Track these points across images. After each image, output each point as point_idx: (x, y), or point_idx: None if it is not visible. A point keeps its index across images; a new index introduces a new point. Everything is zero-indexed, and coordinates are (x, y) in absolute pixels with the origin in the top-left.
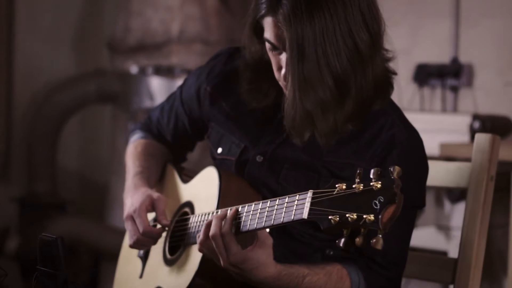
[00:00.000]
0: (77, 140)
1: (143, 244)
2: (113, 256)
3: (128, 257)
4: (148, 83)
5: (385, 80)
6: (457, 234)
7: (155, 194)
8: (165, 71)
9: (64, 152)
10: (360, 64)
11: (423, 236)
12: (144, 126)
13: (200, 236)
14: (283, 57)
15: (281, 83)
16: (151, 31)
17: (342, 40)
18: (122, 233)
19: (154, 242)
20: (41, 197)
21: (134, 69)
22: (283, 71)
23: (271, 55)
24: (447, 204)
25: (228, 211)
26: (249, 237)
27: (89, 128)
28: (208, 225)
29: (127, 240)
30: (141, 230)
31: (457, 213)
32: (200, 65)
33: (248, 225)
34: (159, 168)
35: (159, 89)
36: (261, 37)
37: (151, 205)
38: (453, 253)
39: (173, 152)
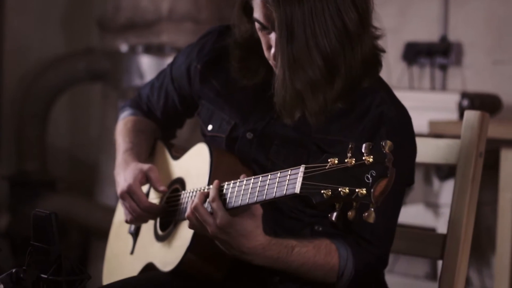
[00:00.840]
0: (67, 118)
1: (143, 220)
2: (103, 234)
3: (119, 233)
4: (138, 62)
5: (374, 58)
6: (445, 211)
7: (145, 166)
8: (155, 50)
9: (54, 131)
10: (349, 43)
11: (412, 213)
12: (134, 103)
13: (187, 213)
14: (273, 36)
15: (271, 62)
16: (141, 10)
17: (330, 20)
18: (111, 210)
19: (154, 217)
20: (31, 175)
21: (124, 47)
22: (272, 50)
23: (260, 34)
24: (435, 182)
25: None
26: (242, 212)
27: (79, 107)
28: (193, 200)
29: (117, 217)
30: (141, 206)
31: (445, 190)
32: (190, 43)
33: (240, 200)
34: (149, 144)
35: (149, 67)
36: (250, 16)
37: (144, 178)
38: (442, 229)
39: (162, 129)
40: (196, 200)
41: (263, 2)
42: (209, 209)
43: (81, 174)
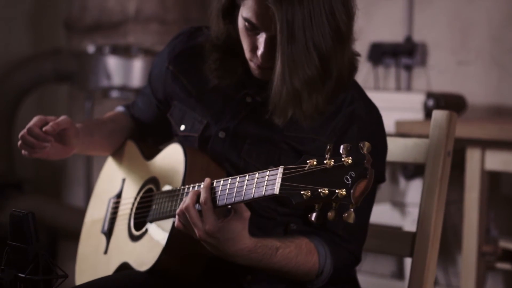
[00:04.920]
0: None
1: (27, 143)
2: (71, 234)
3: (91, 233)
4: (105, 63)
5: (354, 61)
6: (411, 210)
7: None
8: (122, 51)
9: (21, 131)
10: (341, 45)
11: (379, 212)
12: (128, 105)
13: (177, 211)
14: (261, 37)
15: (253, 62)
16: (107, 10)
17: (327, 22)
18: (79, 211)
19: (37, 143)
20: None
21: (91, 48)
22: (259, 51)
23: (245, 35)
24: (402, 181)
25: (202, 184)
26: (220, 213)
27: (46, 108)
28: (185, 199)
29: (89, 217)
30: (26, 128)
31: (412, 189)
32: (157, 44)
33: (217, 200)
34: (116, 133)
35: (116, 68)
36: (228, 17)
37: (45, 120)
38: (408, 228)
39: (152, 134)
40: (188, 200)
41: (259, 3)
42: (197, 208)
43: (48, 174)
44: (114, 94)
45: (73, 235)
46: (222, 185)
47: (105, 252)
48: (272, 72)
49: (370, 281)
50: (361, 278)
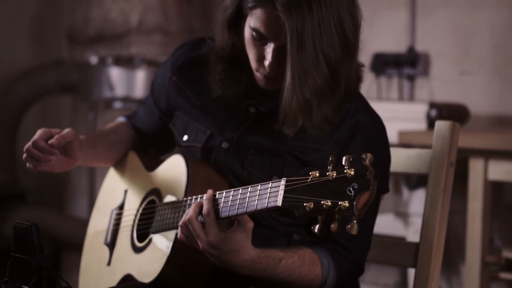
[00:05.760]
0: (37, 130)
1: (32, 156)
2: (74, 245)
3: (94, 245)
4: (108, 74)
5: (360, 72)
6: (415, 220)
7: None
8: (125, 62)
9: (24, 143)
10: (349, 55)
11: (382, 223)
12: (129, 115)
13: (180, 222)
14: (268, 47)
15: (260, 72)
16: (110, 22)
17: (335, 32)
18: (82, 222)
19: (43, 156)
20: (1, 188)
21: (93, 59)
22: (267, 61)
23: (252, 45)
24: (405, 191)
25: (205, 195)
26: (223, 224)
27: (49, 119)
28: (188, 211)
29: (91, 228)
30: (31, 141)
31: (415, 200)
32: (160, 55)
33: (220, 212)
34: (118, 144)
35: (118, 79)
36: (234, 28)
37: (50, 133)
38: (412, 238)
39: (152, 145)
40: (191, 212)
41: (267, 12)
42: (200, 220)
43: (51, 185)
44: (117, 105)
45: (77, 246)
46: (224, 197)
47: (108, 263)
48: (279, 82)
49: None
50: None
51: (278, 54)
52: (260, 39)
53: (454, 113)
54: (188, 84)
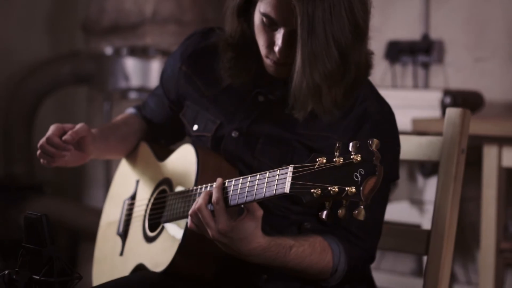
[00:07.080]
0: (53, 121)
1: (46, 152)
2: (91, 236)
3: (107, 235)
4: (123, 64)
5: (369, 59)
6: (430, 208)
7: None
8: (140, 52)
9: (40, 134)
10: (359, 40)
11: (397, 210)
12: (139, 106)
13: (190, 211)
14: (279, 33)
15: (270, 59)
16: (125, 12)
17: (346, 17)
18: (99, 212)
19: (57, 153)
20: (18, 179)
21: (108, 50)
22: (277, 46)
23: (262, 31)
24: (420, 179)
25: (215, 184)
26: (233, 212)
27: (65, 110)
28: (197, 200)
29: (104, 219)
30: (44, 137)
31: (429, 187)
32: (174, 45)
33: (229, 200)
34: (130, 136)
35: (134, 69)
36: (243, 15)
37: (62, 129)
38: (427, 226)
39: (163, 135)
40: (200, 200)
41: None
42: (210, 208)
43: (68, 176)
44: (132, 95)
45: (93, 236)
46: (233, 185)
47: (121, 253)
48: (289, 69)
49: (390, 279)
50: (381, 276)
51: (288, 40)
52: (270, 25)
53: (468, 100)
54: (197, 73)
